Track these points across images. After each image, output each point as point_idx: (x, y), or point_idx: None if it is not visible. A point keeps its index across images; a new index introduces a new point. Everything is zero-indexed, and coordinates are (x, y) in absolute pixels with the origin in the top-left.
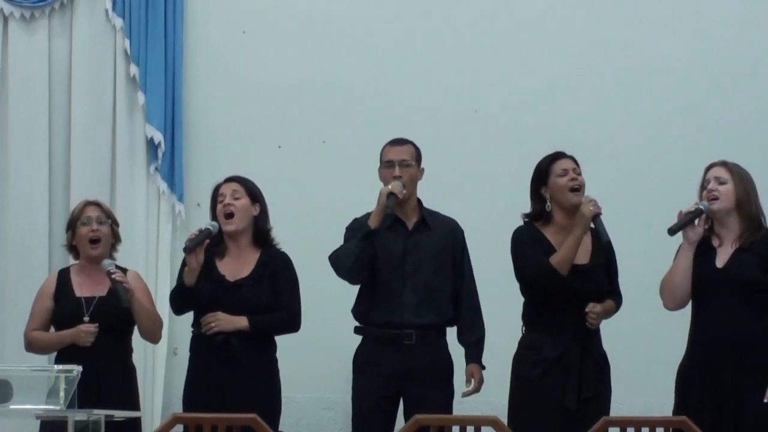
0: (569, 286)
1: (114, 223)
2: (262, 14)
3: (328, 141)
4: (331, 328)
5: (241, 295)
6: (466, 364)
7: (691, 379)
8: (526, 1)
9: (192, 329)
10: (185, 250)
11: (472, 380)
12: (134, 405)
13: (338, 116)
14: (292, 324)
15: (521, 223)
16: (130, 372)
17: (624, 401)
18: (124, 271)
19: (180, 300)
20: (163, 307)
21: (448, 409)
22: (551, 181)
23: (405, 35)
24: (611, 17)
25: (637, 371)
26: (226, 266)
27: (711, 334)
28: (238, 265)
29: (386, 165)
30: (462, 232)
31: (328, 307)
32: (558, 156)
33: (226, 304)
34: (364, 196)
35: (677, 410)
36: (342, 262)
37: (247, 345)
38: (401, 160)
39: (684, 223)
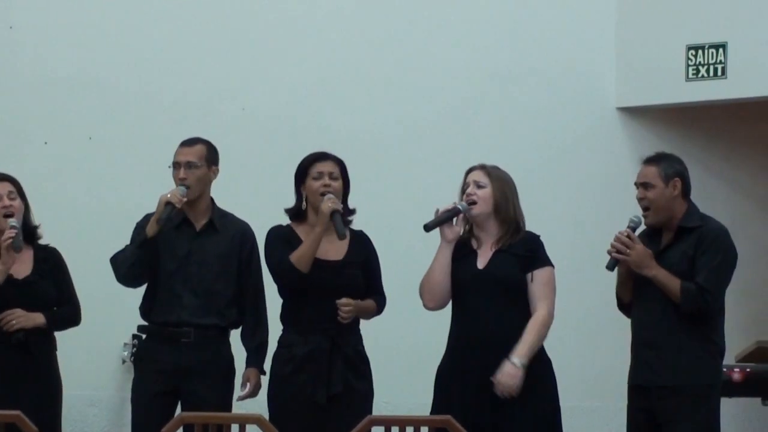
0: (314, 282)
1: None
2: (30, 10)
3: (94, 137)
4: (97, 325)
5: (34, 291)
6: (245, 368)
7: (449, 379)
8: None
9: None
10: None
11: (248, 384)
12: None
13: (105, 113)
14: (78, 318)
15: (287, 221)
16: None
17: (390, 400)
18: None
19: None
20: None
21: (226, 408)
22: (307, 182)
23: (172, 32)
24: (381, 16)
25: (403, 370)
26: None
27: (469, 334)
28: (17, 263)
29: (174, 166)
30: (253, 235)
31: (94, 303)
32: (319, 158)
33: (22, 301)
34: (130, 194)
35: (435, 409)
36: (118, 268)
37: (40, 340)
38: (187, 162)
39: (440, 220)
